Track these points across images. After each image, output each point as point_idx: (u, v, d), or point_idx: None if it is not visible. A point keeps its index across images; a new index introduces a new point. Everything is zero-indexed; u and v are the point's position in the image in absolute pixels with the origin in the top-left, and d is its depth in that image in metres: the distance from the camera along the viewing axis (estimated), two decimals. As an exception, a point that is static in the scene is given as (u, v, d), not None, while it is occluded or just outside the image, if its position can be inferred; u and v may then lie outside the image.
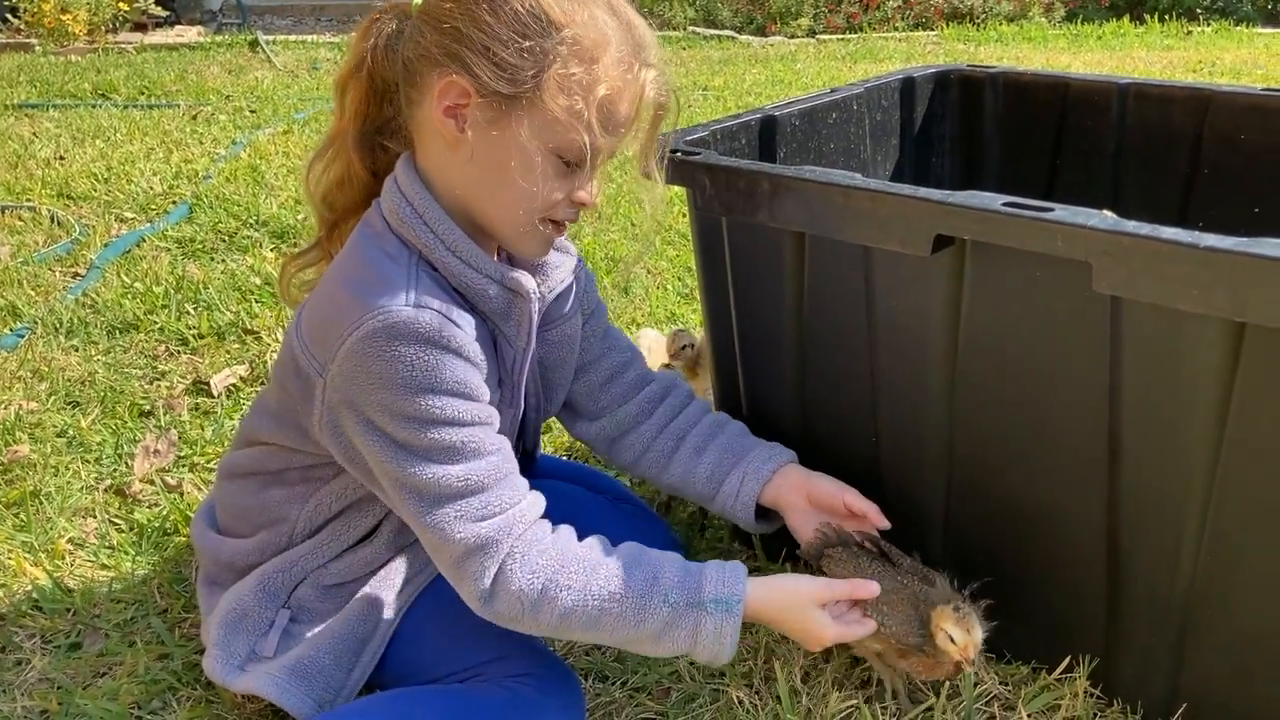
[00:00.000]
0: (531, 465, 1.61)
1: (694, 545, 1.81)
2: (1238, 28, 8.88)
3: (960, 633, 1.29)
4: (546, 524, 1.31)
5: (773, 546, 1.75)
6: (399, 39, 1.27)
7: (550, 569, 1.25)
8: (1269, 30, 8.82)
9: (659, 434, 1.59)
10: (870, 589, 1.33)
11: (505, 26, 1.18)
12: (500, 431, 1.31)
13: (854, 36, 8.63)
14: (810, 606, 1.31)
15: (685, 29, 8.91)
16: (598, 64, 1.21)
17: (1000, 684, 1.48)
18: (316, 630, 1.41)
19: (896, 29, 9.08)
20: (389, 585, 1.44)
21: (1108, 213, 1.16)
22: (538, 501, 1.32)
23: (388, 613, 1.42)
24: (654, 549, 1.33)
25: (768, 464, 1.53)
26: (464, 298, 1.29)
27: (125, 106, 5.37)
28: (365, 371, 1.21)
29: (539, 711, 1.34)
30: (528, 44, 1.18)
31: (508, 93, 1.20)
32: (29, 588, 1.73)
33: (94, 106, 5.38)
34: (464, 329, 1.24)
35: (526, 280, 1.33)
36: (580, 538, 1.34)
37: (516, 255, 1.38)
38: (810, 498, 1.51)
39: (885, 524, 1.47)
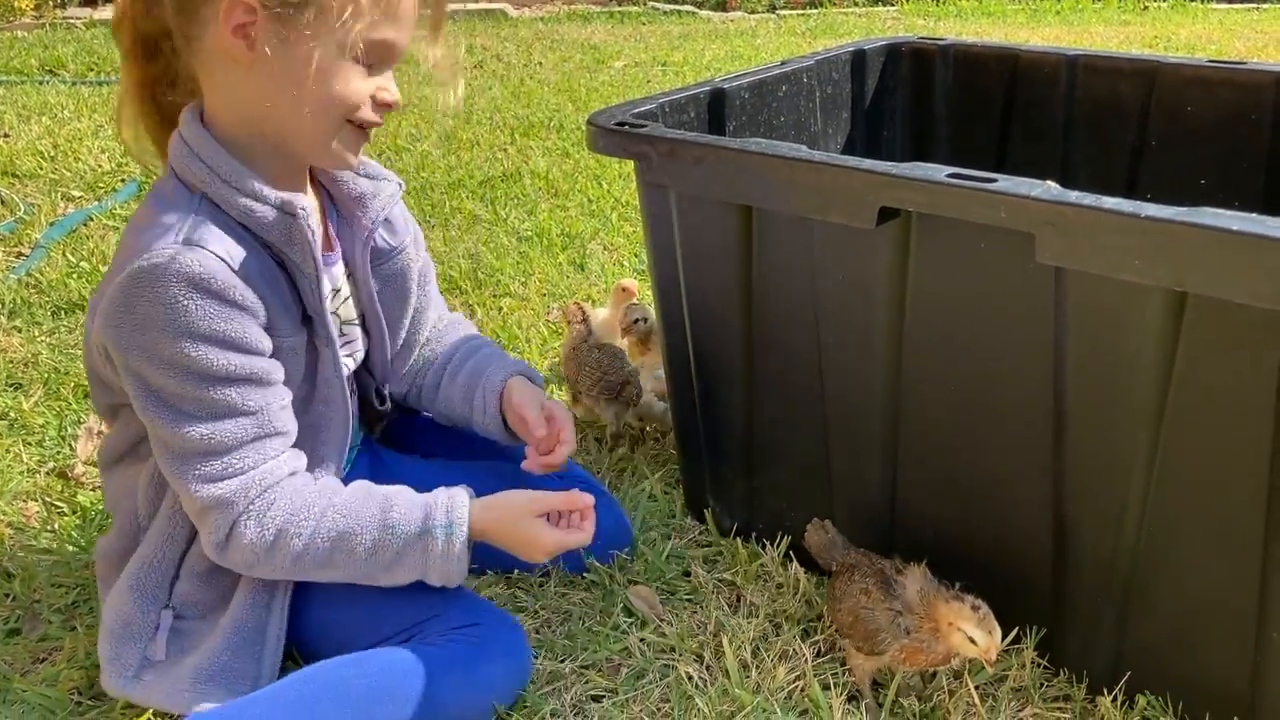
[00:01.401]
0: (389, 410, 1.67)
1: (646, 521, 1.80)
2: (1193, 3, 8.95)
3: (983, 635, 1.28)
4: (294, 479, 1.32)
5: (724, 523, 1.75)
6: None
7: (282, 520, 1.29)
8: (1223, 6, 8.89)
9: (429, 370, 1.65)
10: (585, 500, 1.40)
11: None
12: (315, 373, 1.39)
13: (814, 12, 8.62)
14: (527, 517, 1.37)
15: (645, 4, 8.86)
16: None
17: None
18: (206, 627, 1.38)
19: (857, 4, 9.07)
20: None
21: (1051, 183, 1.16)
22: (289, 463, 1.33)
23: (277, 592, 1.39)
24: (383, 485, 1.38)
25: (497, 375, 1.60)
26: (249, 231, 1.28)
27: (73, 83, 5.27)
28: (129, 313, 1.20)
29: (480, 662, 1.35)
30: None
31: (279, 10, 1.19)
32: (-33, 573, 1.69)
33: (41, 83, 5.27)
34: (237, 269, 1.23)
35: (298, 198, 1.30)
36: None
37: (327, 169, 1.41)
38: (516, 406, 1.57)
39: (566, 445, 1.54)
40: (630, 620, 1.57)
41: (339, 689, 1.29)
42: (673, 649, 1.51)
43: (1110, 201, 1.08)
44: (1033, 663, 1.44)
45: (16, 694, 1.44)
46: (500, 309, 2.69)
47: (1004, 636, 1.44)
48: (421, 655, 1.32)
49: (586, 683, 1.46)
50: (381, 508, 1.33)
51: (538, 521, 1.37)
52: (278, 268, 1.31)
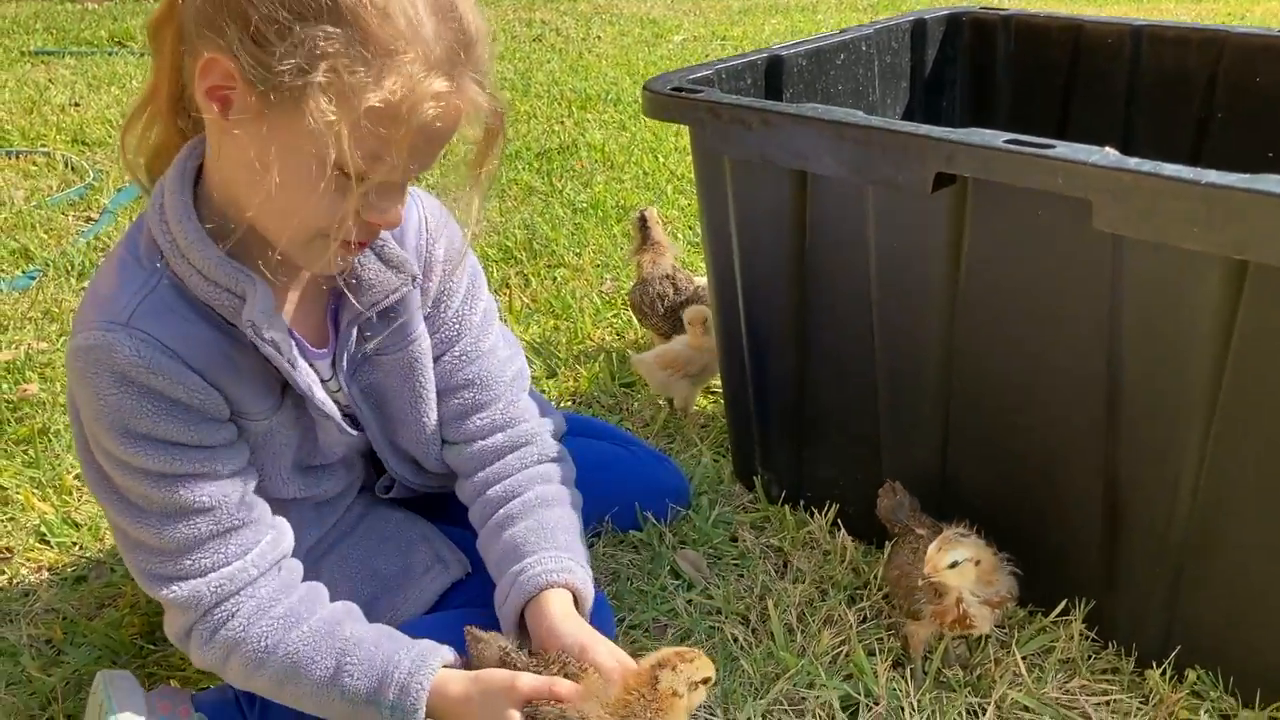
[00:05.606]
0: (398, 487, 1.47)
1: (695, 487, 1.80)
2: (1269, -20, 8.69)
3: (932, 548, 1.29)
4: (260, 587, 1.18)
5: (773, 490, 1.76)
6: None
7: (233, 641, 1.16)
8: (1301, -18, 8.62)
9: (480, 494, 1.40)
10: (566, 688, 1.14)
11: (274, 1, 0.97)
12: (315, 439, 1.27)
13: (876, -13, 8.49)
14: (501, 708, 1.13)
15: (705, -21, 8.78)
16: (389, 64, 0.99)
17: (996, 626, 1.47)
18: None
19: (920, -20, 8.91)
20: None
21: (1109, 149, 1.14)
22: (257, 559, 1.18)
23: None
24: (361, 624, 1.22)
25: (541, 578, 1.28)
26: (211, 308, 1.13)
27: (142, 54, 5.36)
28: (76, 387, 1.11)
29: None
30: (299, 30, 0.97)
31: (262, 89, 0.99)
32: (36, 522, 1.75)
33: (110, 54, 5.38)
34: (186, 355, 1.10)
35: (252, 288, 1.10)
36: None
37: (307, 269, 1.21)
38: (545, 635, 1.25)
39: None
40: (677, 582, 1.59)
41: None
42: (719, 611, 1.52)
43: (1169, 168, 1.07)
44: (1081, 634, 1.43)
45: (83, 637, 1.49)
46: (555, 279, 2.71)
47: (1053, 608, 1.45)
48: None
49: (633, 642, 1.48)
50: (338, 661, 1.17)
51: (511, 715, 1.12)
52: (251, 347, 1.15)
